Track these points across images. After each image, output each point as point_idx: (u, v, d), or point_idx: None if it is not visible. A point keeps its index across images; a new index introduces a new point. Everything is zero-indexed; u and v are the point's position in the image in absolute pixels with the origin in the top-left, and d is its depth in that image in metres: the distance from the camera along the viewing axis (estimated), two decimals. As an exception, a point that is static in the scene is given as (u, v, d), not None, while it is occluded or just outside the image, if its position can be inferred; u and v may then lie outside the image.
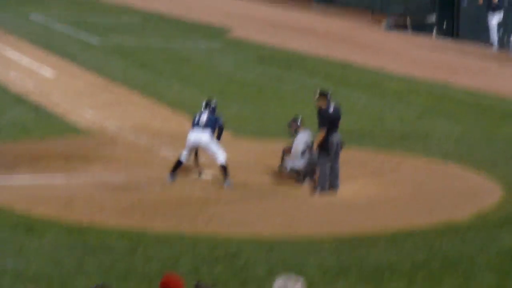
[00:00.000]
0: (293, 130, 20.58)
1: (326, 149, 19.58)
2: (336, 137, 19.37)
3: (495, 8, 32.75)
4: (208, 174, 21.29)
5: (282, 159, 21.21)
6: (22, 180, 21.25)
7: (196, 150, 20.78)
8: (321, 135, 19.27)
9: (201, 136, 19.82)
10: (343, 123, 20.76)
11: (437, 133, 24.71)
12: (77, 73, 28.30)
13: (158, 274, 12.65)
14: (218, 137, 20.20)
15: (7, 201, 19.38)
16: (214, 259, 16.07)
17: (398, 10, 34.68)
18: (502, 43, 31.41)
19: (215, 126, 20.00)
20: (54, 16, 33.39)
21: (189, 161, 21.13)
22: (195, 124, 19.95)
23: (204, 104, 20.76)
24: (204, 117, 19.83)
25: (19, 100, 26.59)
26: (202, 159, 21.07)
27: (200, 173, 20.89)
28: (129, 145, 23.56)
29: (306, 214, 19.37)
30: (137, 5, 38.40)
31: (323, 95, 18.97)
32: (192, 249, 16.79)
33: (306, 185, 20.61)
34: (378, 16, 34.18)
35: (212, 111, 20.41)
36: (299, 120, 20.44)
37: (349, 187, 20.40)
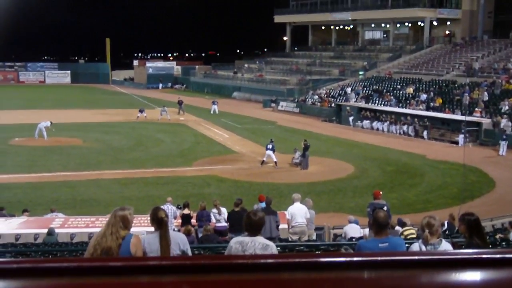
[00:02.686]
0: (294, 151, 25.17)
1: (304, 156, 24.36)
2: (307, 152, 24.33)
3: (350, 114, 36.22)
4: (269, 164, 25.08)
5: (292, 159, 25.08)
6: (217, 167, 25.41)
7: (267, 156, 24.56)
8: (303, 149, 24.22)
9: (270, 153, 24.80)
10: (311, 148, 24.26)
11: (335, 152, 27.91)
12: (234, 135, 33.33)
13: (257, 195, 15.35)
14: (273, 152, 24.65)
15: (216, 172, 24.09)
16: (270, 190, 20.27)
17: (324, 115, 39.74)
18: (354, 125, 36.33)
19: (274, 149, 24.61)
20: (228, 119, 39.36)
21: (266, 160, 24.80)
22: (267, 148, 24.77)
23: (269, 141, 25.22)
24: (270, 146, 24.63)
25: (217, 144, 30.72)
26: (267, 159, 24.65)
27: (266, 163, 24.80)
28: (249, 156, 27.39)
29: (299, 175, 23.47)
30: (249, 115, 42.56)
31: (305, 140, 24.99)
32: (266, 187, 21.23)
33: (299, 168, 24.42)
34: (317, 117, 39.76)
35: (272, 143, 24.85)
36: (296, 148, 25.13)
37: (311, 168, 24.42)
